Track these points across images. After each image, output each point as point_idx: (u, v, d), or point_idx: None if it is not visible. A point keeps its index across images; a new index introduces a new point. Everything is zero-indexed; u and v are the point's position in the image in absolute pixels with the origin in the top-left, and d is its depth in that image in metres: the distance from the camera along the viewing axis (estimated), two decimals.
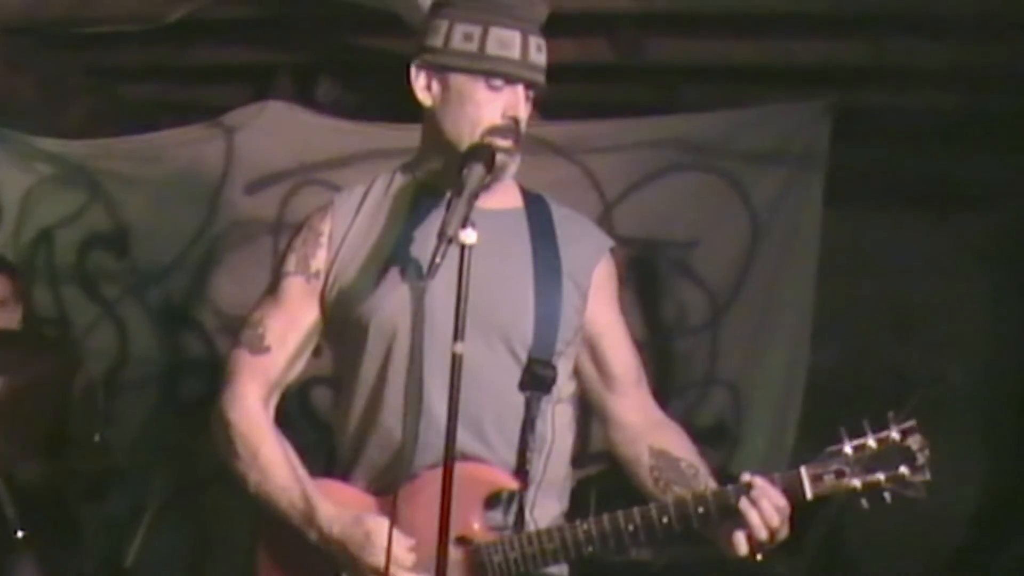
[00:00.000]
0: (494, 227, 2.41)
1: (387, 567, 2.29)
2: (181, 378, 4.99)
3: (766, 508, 2.30)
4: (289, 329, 2.56)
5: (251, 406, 2.53)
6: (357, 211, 2.58)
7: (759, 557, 2.35)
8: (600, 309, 2.60)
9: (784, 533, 2.35)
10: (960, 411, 5.14)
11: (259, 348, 2.56)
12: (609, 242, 2.65)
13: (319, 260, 2.55)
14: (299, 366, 2.61)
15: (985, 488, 5.36)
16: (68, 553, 4.08)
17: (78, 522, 4.14)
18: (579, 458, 2.77)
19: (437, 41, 2.46)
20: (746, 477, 2.33)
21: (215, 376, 4.87)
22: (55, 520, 4.02)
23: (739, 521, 2.32)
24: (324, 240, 2.56)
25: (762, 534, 2.31)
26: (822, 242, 4.65)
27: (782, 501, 2.31)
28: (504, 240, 2.49)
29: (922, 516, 5.03)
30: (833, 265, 4.75)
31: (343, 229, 2.56)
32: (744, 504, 2.31)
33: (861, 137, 4.88)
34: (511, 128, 2.43)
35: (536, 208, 2.60)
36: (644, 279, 4.71)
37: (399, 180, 2.61)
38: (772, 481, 2.32)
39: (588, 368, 2.63)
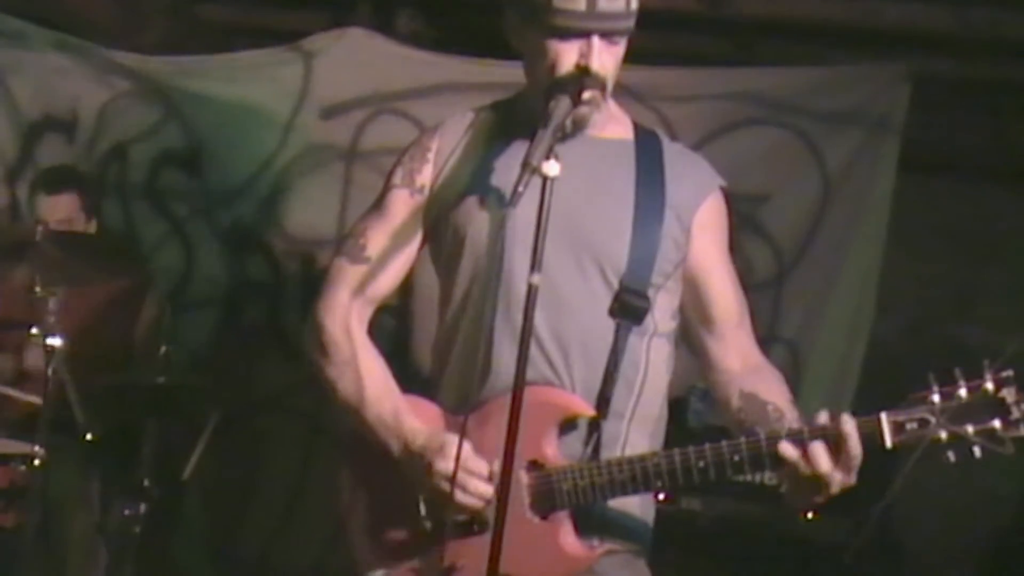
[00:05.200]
0: (600, 155, 2.46)
1: (455, 473, 2.30)
2: (245, 300, 5.02)
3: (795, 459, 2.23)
4: (390, 241, 2.58)
5: (346, 314, 2.58)
6: (465, 133, 2.59)
7: (809, 515, 2.28)
8: (705, 248, 2.56)
9: (834, 486, 2.24)
10: None
11: (359, 258, 2.59)
12: (719, 180, 2.61)
13: (424, 175, 2.58)
14: (397, 280, 2.63)
15: None
16: (128, 462, 4.15)
17: (139, 433, 4.20)
18: None
19: None
20: (822, 417, 2.26)
21: (279, 300, 5.00)
22: (117, 430, 4.10)
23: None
24: (431, 156, 2.58)
25: (799, 481, 2.25)
26: (892, 209, 4.59)
27: (822, 454, 2.22)
28: (608, 168, 2.50)
29: (969, 496, 5.04)
30: (901, 234, 4.69)
31: (449, 148, 2.58)
32: (784, 448, 2.24)
33: (939, 105, 4.81)
34: (575, 79, 2.34)
35: (647, 141, 2.59)
36: None
37: (506, 109, 2.62)
38: (848, 424, 2.22)
39: (689, 308, 2.60)
